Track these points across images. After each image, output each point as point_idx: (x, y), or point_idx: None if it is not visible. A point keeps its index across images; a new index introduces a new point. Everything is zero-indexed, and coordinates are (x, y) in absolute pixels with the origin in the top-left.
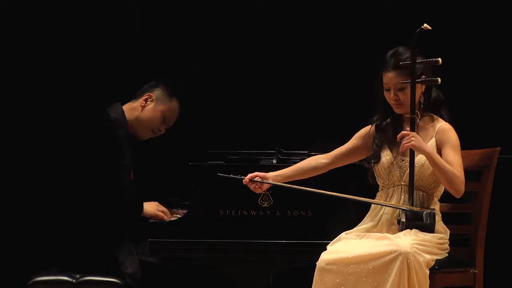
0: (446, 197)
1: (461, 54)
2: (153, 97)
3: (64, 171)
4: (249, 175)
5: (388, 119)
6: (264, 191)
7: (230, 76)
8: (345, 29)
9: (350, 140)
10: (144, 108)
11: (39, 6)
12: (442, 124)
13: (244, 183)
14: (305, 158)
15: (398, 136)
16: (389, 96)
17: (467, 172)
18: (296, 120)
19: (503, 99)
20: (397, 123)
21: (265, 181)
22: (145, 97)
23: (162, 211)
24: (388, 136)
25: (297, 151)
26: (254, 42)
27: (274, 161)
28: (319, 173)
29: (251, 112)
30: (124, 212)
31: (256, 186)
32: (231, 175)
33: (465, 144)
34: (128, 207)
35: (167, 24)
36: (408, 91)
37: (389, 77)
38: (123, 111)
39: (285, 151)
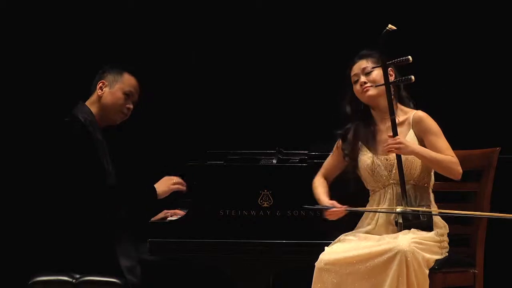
0: (446, 197)
1: (461, 54)
2: (106, 82)
3: (55, 173)
4: (337, 204)
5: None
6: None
7: (230, 76)
8: (345, 30)
9: (333, 152)
10: (103, 95)
11: (39, 6)
12: (414, 114)
13: (331, 217)
14: (305, 158)
15: (384, 148)
16: (359, 87)
17: (467, 172)
18: (296, 120)
19: (503, 99)
20: (369, 122)
21: (354, 208)
22: (99, 86)
23: (176, 183)
24: (363, 137)
25: (297, 151)
26: (254, 42)
27: (274, 161)
28: None
29: (251, 112)
30: (129, 199)
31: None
32: (318, 206)
33: (465, 144)
34: (132, 193)
35: (167, 25)
36: (374, 72)
37: (358, 64)
38: (88, 108)
39: (285, 151)
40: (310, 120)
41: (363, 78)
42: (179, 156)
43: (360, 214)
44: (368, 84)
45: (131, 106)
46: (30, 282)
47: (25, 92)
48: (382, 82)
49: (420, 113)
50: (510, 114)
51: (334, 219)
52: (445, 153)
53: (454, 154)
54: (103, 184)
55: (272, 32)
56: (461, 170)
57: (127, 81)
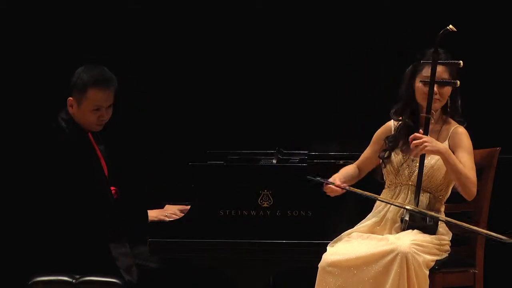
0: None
1: (460, 54)
2: (72, 101)
3: (50, 176)
4: (338, 181)
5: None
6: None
7: (230, 76)
8: (345, 30)
9: (370, 145)
10: (74, 113)
11: (38, 6)
12: (456, 127)
13: (328, 191)
14: (305, 158)
15: (410, 137)
16: (426, 92)
17: None
18: (296, 120)
19: (504, 99)
20: (412, 124)
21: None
22: (69, 104)
23: (168, 214)
24: (402, 136)
25: (297, 151)
26: (254, 43)
27: (274, 161)
28: (355, 181)
29: (251, 112)
30: (119, 214)
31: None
32: (319, 178)
33: None
34: (124, 210)
35: (167, 25)
36: (447, 86)
37: (437, 71)
38: (70, 115)
39: (285, 151)
40: (310, 120)
41: (436, 88)
42: (179, 156)
43: (366, 211)
44: (438, 96)
45: (104, 115)
46: (30, 282)
47: (14, 95)
48: (448, 97)
49: (460, 129)
50: (510, 114)
51: (331, 195)
52: (467, 171)
53: (475, 176)
54: (97, 188)
55: (272, 32)
56: (475, 193)
57: (92, 97)
